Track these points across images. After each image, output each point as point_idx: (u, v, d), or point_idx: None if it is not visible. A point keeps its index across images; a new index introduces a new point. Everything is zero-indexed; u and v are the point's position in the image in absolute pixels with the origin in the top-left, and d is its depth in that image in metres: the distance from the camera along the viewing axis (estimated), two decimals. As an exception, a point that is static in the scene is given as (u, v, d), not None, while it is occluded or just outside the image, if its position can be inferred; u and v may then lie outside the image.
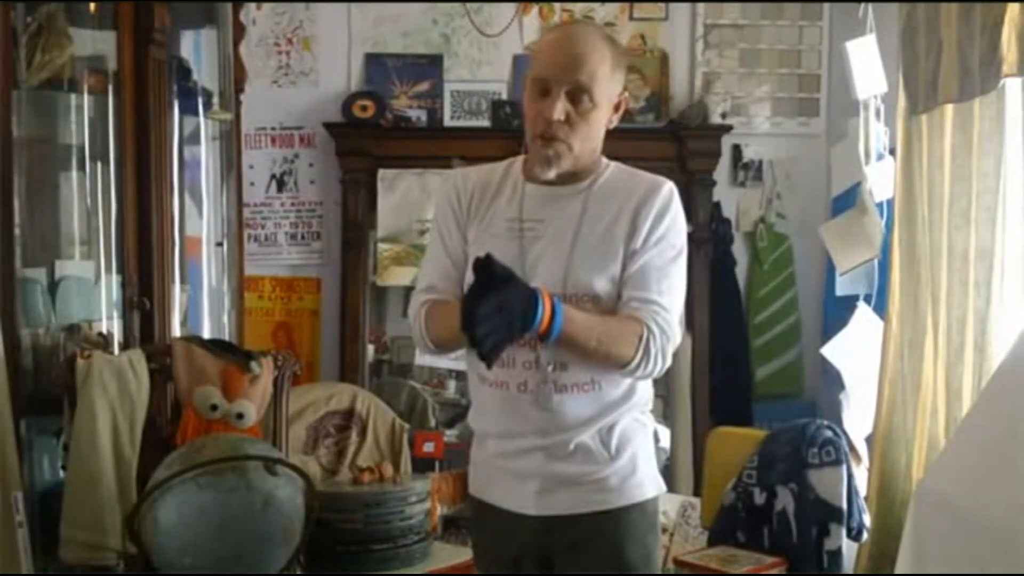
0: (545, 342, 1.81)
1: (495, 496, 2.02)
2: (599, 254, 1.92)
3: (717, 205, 4.20)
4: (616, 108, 1.98)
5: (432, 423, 4.05)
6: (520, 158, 2.05)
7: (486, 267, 1.70)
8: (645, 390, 2.01)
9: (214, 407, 2.94)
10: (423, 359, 4.02)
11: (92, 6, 3.19)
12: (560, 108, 1.88)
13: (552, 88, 1.89)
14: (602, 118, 1.95)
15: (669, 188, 1.97)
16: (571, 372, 1.91)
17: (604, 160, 2.02)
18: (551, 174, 1.94)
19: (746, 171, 4.28)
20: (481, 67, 4.23)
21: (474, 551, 2.19)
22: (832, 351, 3.68)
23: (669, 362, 1.93)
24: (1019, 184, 2.87)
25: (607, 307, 1.91)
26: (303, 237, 4.25)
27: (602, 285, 1.91)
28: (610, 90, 1.94)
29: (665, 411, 4.09)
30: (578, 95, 1.89)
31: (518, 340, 1.77)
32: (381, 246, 4.09)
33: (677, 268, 1.95)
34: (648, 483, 1.99)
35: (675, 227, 1.96)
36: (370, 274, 4.15)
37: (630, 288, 1.92)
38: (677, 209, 1.97)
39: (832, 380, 3.79)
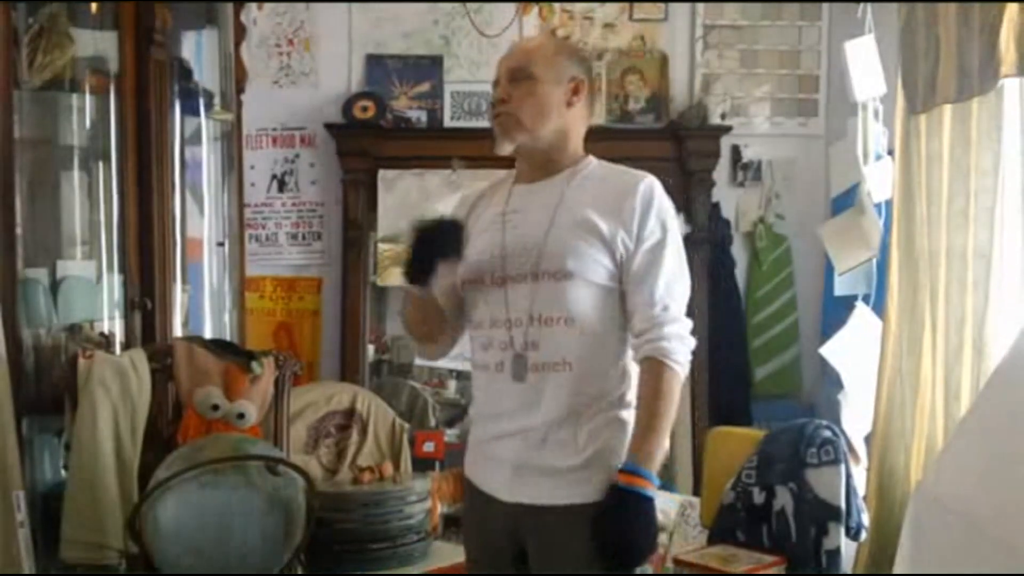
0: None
1: (477, 477, 2.10)
2: (574, 235, 1.98)
3: (716, 205, 4.20)
4: (575, 91, 2.08)
5: (432, 423, 4.05)
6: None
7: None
8: (621, 382, 2.02)
9: (215, 407, 2.96)
10: (423, 359, 4.04)
11: (93, 7, 3.20)
12: (502, 88, 2.07)
13: (499, 80, 2.09)
14: (552, 94, 2.06)
15: (649, 181, 2.03)
16: (542, 351, 1.97)
17: (589, 157, 2.12)
18: (506, 147, 2.07)
19: (745, 171, 4.29)
20: (481, 68, 4.24)
21: (463, 532, 2.27)
22: (831, 351, 3.69)
23: (694, 343, 2.02)
24: (1017, 184, 2.87)
25: (580, 283, 1.97)
26: (304, 237, 4.26)
27: (574, 264, 1.97)
28: (555, 69, 2.06)
29: (665, 411, 4.09)
30: (517, 75, 2.05)
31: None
32: (381, 246, 4.09)
33: (673, 255, 2.01)
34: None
35: (661, 217, 2.01)
36: (371, 274, 4.16)
37: (634, 298, 1.99)
38: (660, 198, 2.03)
39: (831, 380, 3.79)
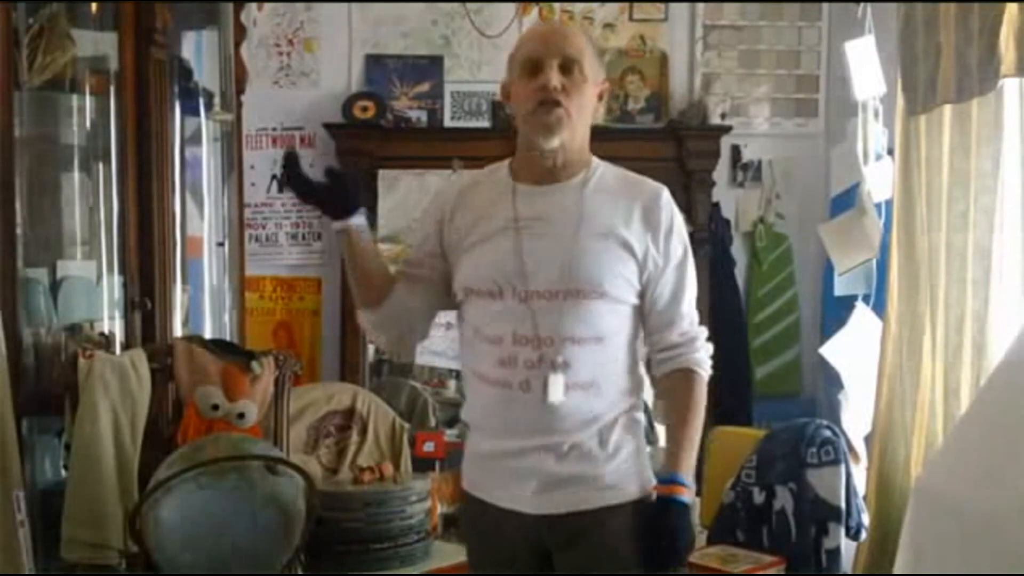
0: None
1: (492, 494, 2.02)
2: (603, 250, 1.95)
3: (716, 205, 4.21)
4: (600, 97, 2.05)
5: (432, 423, 4.05)
6: (504, 163, 2.08)
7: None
8: (637, 389, 2.05)
9: (215, 407, 2.95)
10: (423, 358, 4.04)
11: (94, 7, 3.19)
12: (557, 76, 1.94)
13: (545, 62, 1.95)
14: (591, 97, 2.01)
15: (667, 195, 2.04)
16: (573, 371, 1.93)
17: (595, 159, 2.06)
18: (553, 142, 1.96)
19: (745, 171, 4.29)
20: (481, 68, 4.24)
21: (468, 547, 2.19)
22: (831, 351, 3.69)
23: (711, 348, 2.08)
24: (1017, 184, 2.88)
25: (612, 302, 1.96)
26: (304, 237, 4.26)
27: (610, 285, 1.95)
28: (595, 70, 2.01)
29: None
30: (569, 66, 1.95)
31: None
32: (381, 246, 4.08)
33: (690, 267, 2.05)
34: (646, 481, 2.01)
35: (681, 232, 2.04)
36: (371, 274, 4.16)
37: (665, 314, 2.01)
38: (677, 212, 2.05)
39: (831, 380, 3.80)
